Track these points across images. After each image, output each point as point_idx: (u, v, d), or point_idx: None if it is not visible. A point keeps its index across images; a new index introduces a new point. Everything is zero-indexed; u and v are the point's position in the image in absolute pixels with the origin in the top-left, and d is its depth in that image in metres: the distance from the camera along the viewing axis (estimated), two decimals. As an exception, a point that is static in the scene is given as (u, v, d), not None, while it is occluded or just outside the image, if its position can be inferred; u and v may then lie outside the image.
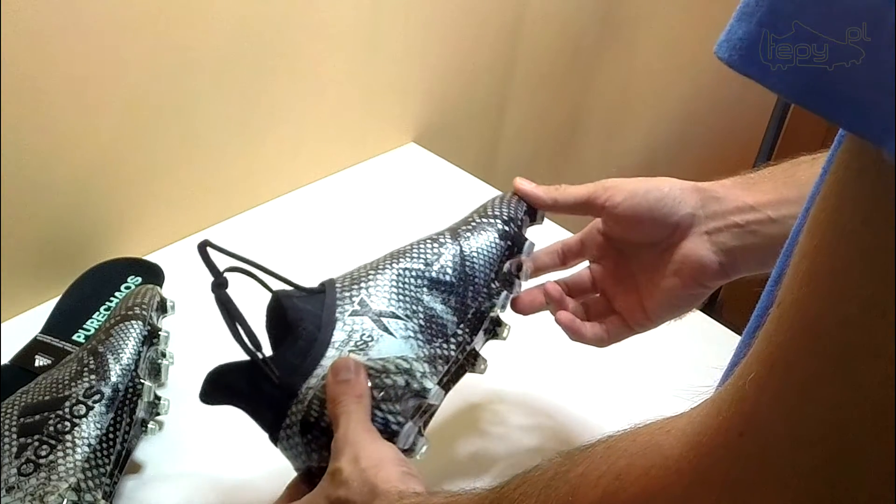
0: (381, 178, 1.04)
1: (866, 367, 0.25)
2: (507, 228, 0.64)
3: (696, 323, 0.70)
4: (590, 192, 0.62)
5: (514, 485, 0.42)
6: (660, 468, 0.33)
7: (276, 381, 0.56)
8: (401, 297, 0.60)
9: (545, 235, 0.70)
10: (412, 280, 0.61)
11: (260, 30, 0.85)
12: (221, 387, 0.58)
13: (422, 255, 0.62)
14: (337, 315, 0.59)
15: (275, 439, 0.57)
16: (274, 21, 0.86)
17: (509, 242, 0.64)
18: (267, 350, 0.59)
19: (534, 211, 0.66)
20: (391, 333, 0.59)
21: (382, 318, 0.59)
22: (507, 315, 0.64)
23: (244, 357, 0.58)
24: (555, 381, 0.77)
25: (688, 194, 0.60)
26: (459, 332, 0.61)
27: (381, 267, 0.62)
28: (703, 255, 0.59)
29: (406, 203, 1.00)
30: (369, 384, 0.55)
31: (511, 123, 1.25)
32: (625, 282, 0.64)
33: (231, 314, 0.56)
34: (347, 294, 0.60)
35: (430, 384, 0.57)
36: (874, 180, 0.24)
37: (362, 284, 0.60)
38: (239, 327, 0.56)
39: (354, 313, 0.59)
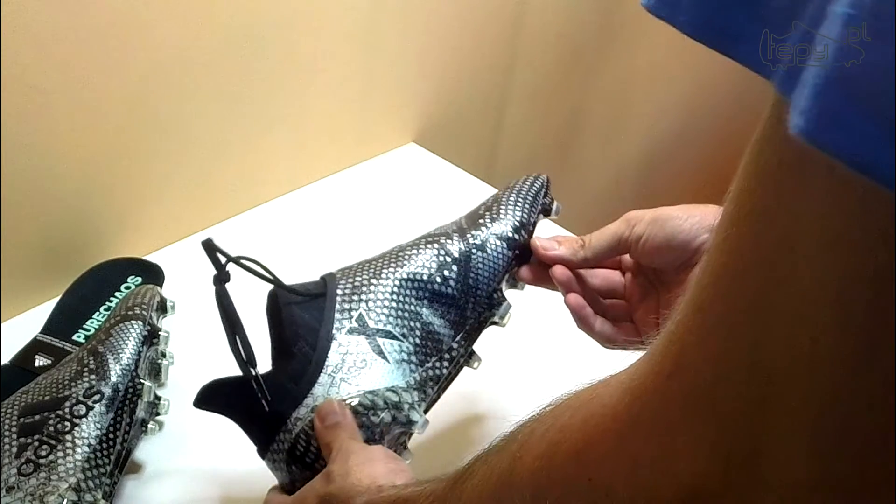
0: (381, 178, 1.04)
1: (780, 306, 0.26)
2: (516, 237, 0.62)
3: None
4: (617, 235, 0.61)
5: (475, 458, 0.43)
6: (599, 416, 0.34)
7: (266, 407, 0.56)
8: (399, 312, 0.59)
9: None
10: (413, 292, 0.60)
11: (260, 30, 0.85)
12: (216, 399, 0.58)
13: (426, 264, 0.61)
14: (334, 332, 0.58)
15: (262, 455, 0.58)
16: (274, 21, 0.86)
17: (517, 252, 0.62)
18: (267, 351, 0.59)
19: (549, 205, 0.64)
20: (385, 358, 0.58)
21: (378, 339, 0.58)
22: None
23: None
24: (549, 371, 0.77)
25: (708, 216, 0.59)
26: (455, 346, 0.60)
27: (383, 274, 0.60)
28: None
29: (406, 203, 1.00)
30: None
31: (511, 123, 1.25)
32: (648, 296, 0.64)
33: (230, 320, 0.56)
34: (347, 307, 0.59)
35: (416, 416, 0.57)
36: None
37: (362, 296, 0.59)
38: (237, 339, 0.56)
39: (351, 331, 0.58)
